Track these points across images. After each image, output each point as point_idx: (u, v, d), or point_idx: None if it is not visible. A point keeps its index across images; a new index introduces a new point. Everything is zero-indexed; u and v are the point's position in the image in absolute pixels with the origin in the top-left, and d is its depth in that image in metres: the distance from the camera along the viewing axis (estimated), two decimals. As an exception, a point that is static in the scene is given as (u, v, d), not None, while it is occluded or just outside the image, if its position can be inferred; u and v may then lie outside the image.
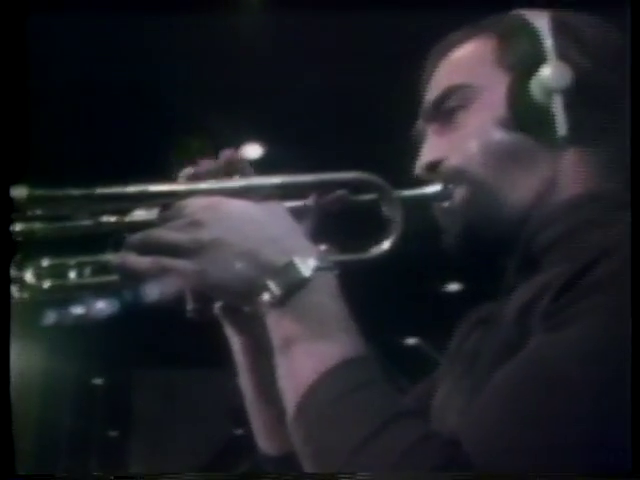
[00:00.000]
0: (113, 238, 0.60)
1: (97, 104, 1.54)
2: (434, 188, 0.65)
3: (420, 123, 0.69)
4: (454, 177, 0.63)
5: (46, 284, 0.59)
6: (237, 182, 0.62)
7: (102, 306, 0.59)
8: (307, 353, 0.52)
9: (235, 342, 0.65)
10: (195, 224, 0.57)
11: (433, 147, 0.65)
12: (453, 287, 3.73)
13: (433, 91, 0.65)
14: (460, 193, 0.62)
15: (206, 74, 1.53)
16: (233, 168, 0.61)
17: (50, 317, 0.59)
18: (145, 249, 0.56)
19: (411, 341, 4.23)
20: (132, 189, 0.61)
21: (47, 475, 0.48)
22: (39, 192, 0.56)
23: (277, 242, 0.56)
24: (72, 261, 0.62)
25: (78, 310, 0.59)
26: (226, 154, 0.62)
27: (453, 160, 0.63)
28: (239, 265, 0.55)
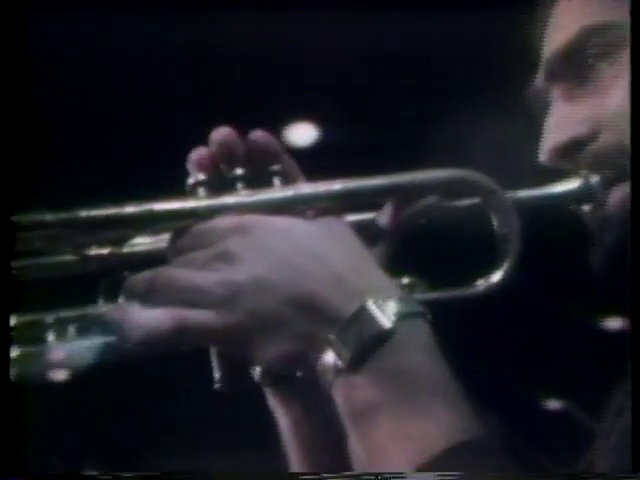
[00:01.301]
0: (106, 281, 0.58)
1: (96, 106, 1.64)
2: (571, 184, 0.59)
3: (540, 85, 0.62)
4: (602, 164, 0.57)
5: (13, 352, 0.56)
6: (279, 192, 0.59)
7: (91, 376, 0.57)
8: (394, 436, 0.50)
9: (283, 419, 0.62)
10: (223, 257, 0.54)
11: (565, 120, 0.59)
12: (611, 324, 3.12)
13: (558, 37, 0.61)
14: (614, 189, 0.56)
15: (209, 73, 1.64)
16: (269, 164, 0.59)
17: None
18: (153, 296, 0.54)
19: (552, 405, 3.66)
20: (131, 209, 0.58)
21: (47, 475, 0.55)
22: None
23: (342, 279, 0.53)
24: (49, 317, 0.58)
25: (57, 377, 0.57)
26: (257, 137, 0.58)
27: (601, 138, 0.57)
28: (289, 315, 0.52)
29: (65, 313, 0.58)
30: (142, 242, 0.60)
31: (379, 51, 1.64)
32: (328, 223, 0.58)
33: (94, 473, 0.49)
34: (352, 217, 0.60)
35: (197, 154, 0.60)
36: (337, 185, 0.60)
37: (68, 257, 0.59)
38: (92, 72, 1.54)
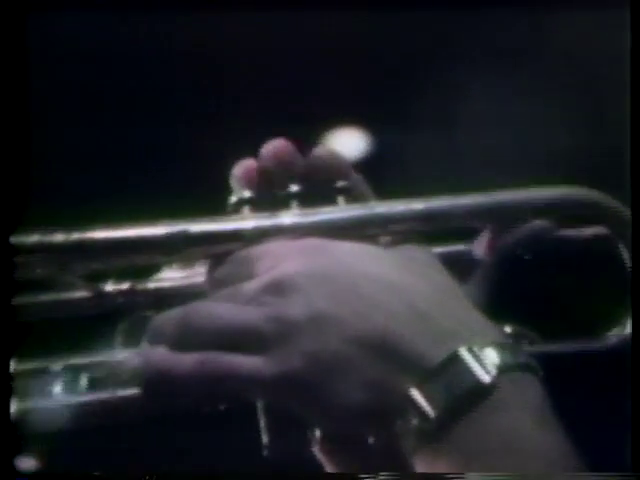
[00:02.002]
0: (126, 322, 0.58)
1: (99, 105, 1.69)
2: None
3: None
4: None
5: (13, 406, 0.53)
6: (344, 211, 0.59)
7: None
8: None
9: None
10: (275, 288, 0.53)
11: None
12: None
13: None
14: None
15: (212, 73, 1.70)
16: (332, 181, 0.60)
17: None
18: (186, 337, 0.53)
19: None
20: (159, 231, 0.57)
21: (47, 475, 0.56)
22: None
23: (426, 317, 0.52)
24: (56, 365, 0.56)
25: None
26: (323, 154, 0.60)
27: None
28: (358, 360, 0.51)
29: (75, 360, 0.56)
30: (171, 275, 0.60)
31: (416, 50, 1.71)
32: (408, 251, 0.57)
33: (95, 473, 0.52)
34: (438, 248, 0.59)
35: (244, 169, 0.61)
36: (418, 204, 0.58)
37: (79, 293, 0.58)
38: (93, 72, 1.62)
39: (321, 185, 0.60)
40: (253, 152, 0.61)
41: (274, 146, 0.60)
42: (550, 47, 1.63)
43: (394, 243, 0.58)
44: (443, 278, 0.55)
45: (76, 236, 0.55)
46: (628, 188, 0.56)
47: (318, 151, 0.60)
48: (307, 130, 0.68)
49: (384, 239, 0.58)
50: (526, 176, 0.60)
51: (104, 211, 0.59)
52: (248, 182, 0.60)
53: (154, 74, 1.61)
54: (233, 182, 0.60)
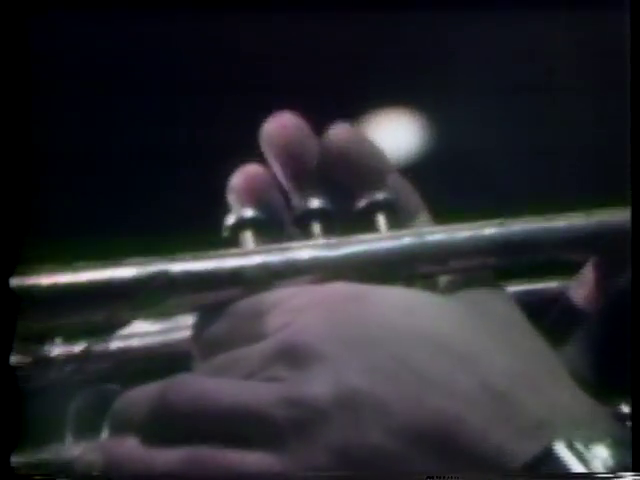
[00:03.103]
0: (79, 400, 0.57)
1: (101, 109, 1.82)
2: None
3: None
4: None
5: None
6: (385, 240, 0.56)
7: None
8: None
9: None
10: (289, 359, 0.52)
11: None
12: None
13: None
14: None
15: (212, 73, 1.84)
16: (366, 189, 0.58)
17: None
18: (165, 428, 0.52)
19: None
20: (123, 272, 0.54)
21: (47, 475, 0.56)
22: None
23: (508, 403, 0.51)
24: None
25: None
26: (343, 137, 0.59)
27: None
28: (409, 457, 0.50)
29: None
30: (143, 331, 0.58)
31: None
32: (478, 300, 0.55)
33: (94, 473, 0.52)
34: (515, 287, 0.59)
35: (243, 177, 0.59)
36: (493, 229, 0.56)
37: (12, 359, 0.55)
38: (94, 73, 1.78)
39: (351, 195, 0.58)
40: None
41: (279, 135, 0.58)
42: (550, 47, 1.79)
43: (457, 287, 0.56)
44: (530, 340, 0.54)
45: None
46: (628, 188, 0.57)
47: (335, 133, 0.58)
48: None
49: (443, 281, 0.56)
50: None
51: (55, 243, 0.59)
52: (249, 195, 0.58)
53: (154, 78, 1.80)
54: (231, 196, 0.59)
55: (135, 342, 0.57)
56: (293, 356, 0.51)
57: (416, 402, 0.50)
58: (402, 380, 0.50)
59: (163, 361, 0.57)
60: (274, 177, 0.59)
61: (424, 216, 0.59)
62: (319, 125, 0.63)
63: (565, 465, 0.48)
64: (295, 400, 0.50)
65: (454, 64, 1.90)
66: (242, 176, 0.59)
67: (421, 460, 0.49)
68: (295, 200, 0.58)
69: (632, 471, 0.49)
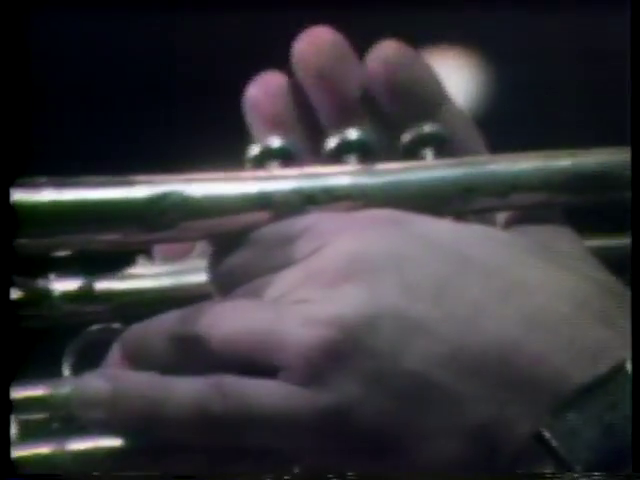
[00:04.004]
0: (78, 340, 0.58)
1: (99, 104, 1.97)
2: None
3: None
4: None
5: None
6: (438, 169, 0.57)
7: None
8: None
9: None
10: (321, 281, 0.53)
11: None
12: None
13: None
14: None
15: (211, 72, 1.99)
16: (413, 117, 0.58)
17: None
18: (185, 355, 0.53)
19: None
20: (133, 192, 0.55)
21: (47, 475, 0.57)
22: None
23: (570, 327, 0.52)
24: None
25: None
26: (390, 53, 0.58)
27: None
28: (459, 396, 0.51)
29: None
30: (152, 267, 0.60)
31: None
32: (538, 234, 0.56)
33: (94, 473, 0.54)
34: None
35: (265, 90, 0.59)
36: (563, 160, 0.56)
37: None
38: (93, 72, 1.92)
39: (396, 123, 0.58)
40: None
41: (313, 40, 0.58)
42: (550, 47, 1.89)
43: (518, 224, 0.57)
44: (598, 274, 0.55)
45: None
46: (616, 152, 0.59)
47: (384, 52, 0.58)
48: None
49: (501, 219, 0.58)
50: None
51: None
52: (275, 120, 0.59)
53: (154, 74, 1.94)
54: (252, 119, 0.59)
55: (141, 283, 0.59)
56: (324, 277, 0.51)
57: (464, 325, 0.51)
58: (448, 301, 0.51)
59: (173, 306, 0.57)
60: (300, 88, 0.58)
61: (479, 149, 0.59)
62: (362, 44, 0.64)
63: (624, 389, 0.50)
64: (323, 319, 0.51)
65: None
66: (261, 89, 0.59)
67: (467, 389, 0.50)
68: (329, 129, 0.58)
69: (632, 471, 0.51)
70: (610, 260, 0.59)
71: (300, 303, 0.52)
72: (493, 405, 0.51)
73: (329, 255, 0.53)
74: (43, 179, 0.55)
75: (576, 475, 0.51)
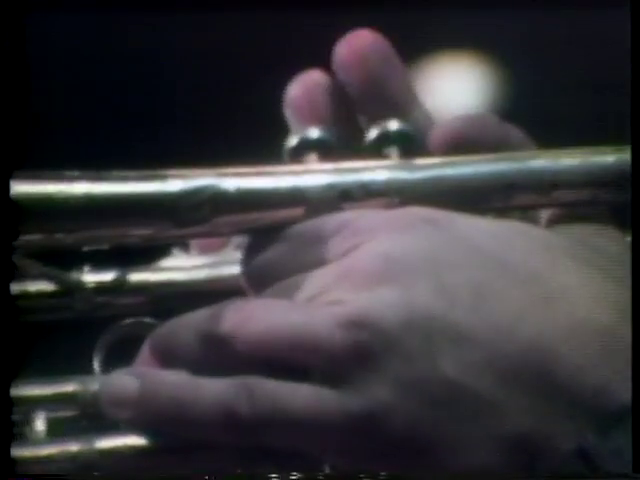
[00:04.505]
0: (109, 334, 0.58)
1: (98, 105, 2.00)
2: None
3: None
4: None
5: None
6: (481, 164, 0.57)
7: None
8: None
9: None
10: (357, 282, 0.52)
11: None
12: None
13: None
14: None
15: (211, 73, 2.04)
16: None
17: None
18: (214, 356, 0.53)
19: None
20: (167, 186, 0.55)
21: (47, 475, 0.58)
22: None
23: (615, 339, 0.52)
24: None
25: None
26: None
27: None
28: (497, 405, 0.51)
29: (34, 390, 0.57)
30: (185, 260, 0.60)
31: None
32: (582, 234, 0.56)
33: (94, 473, 0.54)
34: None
35: (303, 87, 0.60)
36: (606, 156, 0.56)
37: (36, 285, 0.58)
38: (93, 73, 1.96)
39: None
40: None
41: (352, 42, 0.58)
42: (549, 47, 1.91)
43: (562, 223, 0.57)
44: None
45: (29, 188, 0.53)
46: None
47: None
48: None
49: (544, 216, 0.57)
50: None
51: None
52: (314, 111, 0.59)
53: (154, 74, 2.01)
54: (290, 113, 0.60)
55: (176, 275, 0.58)
56: (358, 278, 0.51)
57: (503, 332, 0.50)
58: (486, 307, 0.51)
59: (207, 300, 0.56)
60: (341, 87, 0.58)
61: (523, 143, 0.59)
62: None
63: None
64: (357, 321, 0.50)
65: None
66: (301, 86, 0.59)
67: (503, 398, 0.50)
68: (369, 120, 0.58)
69: (632, 471, 0.51)
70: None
71: (333, 304, 0.52)
72: (531, 417, 0.51)
73: (364, 255, 0.53)
74: (76, 173, 0.55)
75: (576, 475, 0.50)
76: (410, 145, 0.58)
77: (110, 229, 0.55)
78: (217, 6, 2.09)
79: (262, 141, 0.61)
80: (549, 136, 0.74)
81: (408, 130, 0.59)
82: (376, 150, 0.58)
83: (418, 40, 1.83)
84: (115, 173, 0.55)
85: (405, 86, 0.60)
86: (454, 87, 2.13)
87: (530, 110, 1.86)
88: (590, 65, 1.83)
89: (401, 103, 0.60)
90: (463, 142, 0.59)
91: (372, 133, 0.58)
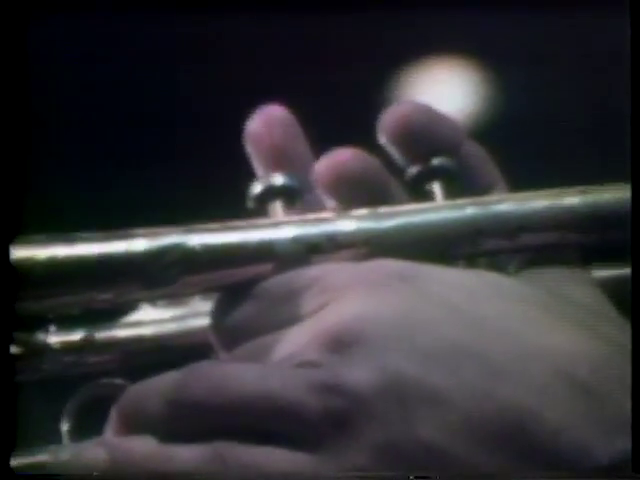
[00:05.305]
0: (79, 396, 0.58)
1: (99, 106, 2.06)
2: None
3: None
4: None
5: None
6: (447, 210, 0.57)
7: None
8: None
9: None
10: (330, 344, 0.52)
11: None
12: None
13: None
14: None
15: (211, 74, 2.08)
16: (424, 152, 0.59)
17: None
18: (185, 422, 0.52)
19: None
20: (132, 246, 0.55)
21: (47, 475, 0.58)
22: None
23: (594, 397, 0.51)
24: None
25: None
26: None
27: None
28: (476, 471, 0.51)
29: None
30: (152, 317, 0.59)
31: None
32: (552, 281, 0.56)
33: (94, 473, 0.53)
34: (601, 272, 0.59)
35: (267, 124, 0.59)
36: (571, 198, 0.56)
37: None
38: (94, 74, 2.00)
39: (403, 158, 0.58)
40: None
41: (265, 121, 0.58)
42: (549, 47, 1.95)
43: (530, 268, 0.56)
44: (618, 331, 0.54)
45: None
46: (628, 188, 0.59)
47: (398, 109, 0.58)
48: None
49: (513, 262, 0.57)
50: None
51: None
52: (277, 152, 0.59)
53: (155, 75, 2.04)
54: (252, 154, 0.59)
55: (144, 330, 0.58)
56: (331, 340, 0.50)
57: (480, 394, 0.50)
58: (461, 367, 0.50)
59: (177, 353, 0.57)
60: (300, 125, 0.58)
61: (500, 191, 0.59)
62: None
63: None
64: (332, 386, 0.50)
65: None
66: (261, 121, 0.58)
67: (482, 460, 0.49)
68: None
69: (632, 471, 0.50)
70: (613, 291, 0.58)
71: (307, 367, 0.51)
72: (511, 478, 0.51)
73: (335, 316, 0.52)
74: (42, 236, 0.54)
75: (575, 475, 0.50)
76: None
77: (76, 295, 0.54)
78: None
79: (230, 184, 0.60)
80: (549, 136, 0.75)
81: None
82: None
83: (415, 42, 1.83)
84: (79, 235, 0.54)
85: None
86: (450, 90, 2.20)
87: (526, 113, 1.84)
88: (589, 66, 1.82)
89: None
90: (410, 128, 0.58)
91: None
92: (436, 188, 0.58)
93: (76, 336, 0.57)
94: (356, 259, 0.54)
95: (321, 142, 0.61)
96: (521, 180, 0.61)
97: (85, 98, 2.00)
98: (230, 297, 0.55)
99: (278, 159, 0.59)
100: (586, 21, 1.68)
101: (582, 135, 2.15)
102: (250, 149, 0.59)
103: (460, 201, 0.56)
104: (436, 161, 0.58)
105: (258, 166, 0.59)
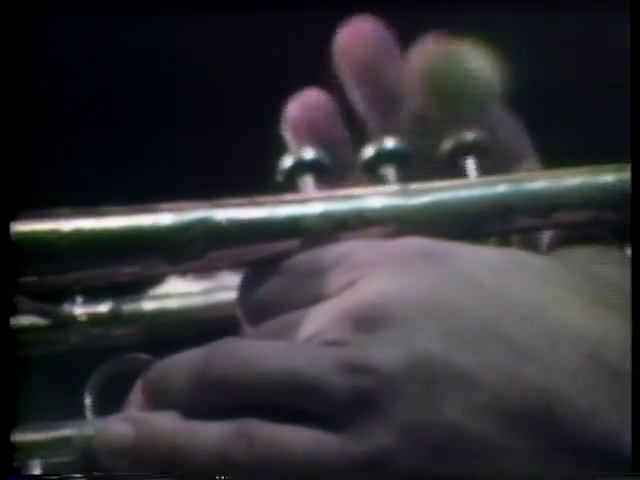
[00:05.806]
0: (103, 370, 0.57)
1: (99, 107, 2.16)
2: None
3: None
4: None
5: None
6: (480, 187, 0.56)
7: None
8: None
9: None
10: (356, 322, 0.51)
11: None
12: None
13: None
14: None
15: (214, 75, 2.11)
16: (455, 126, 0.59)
17: None
18: (208, 398, 0.52)
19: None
20: (159, 219, 0.54)
21: (47, 475, 0.59)
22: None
23: (621, 376, 0.51)
24: None
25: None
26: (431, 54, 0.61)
27: None
28: (503, 452, 0.50)
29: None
30: (180, 290, 0.60)
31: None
32: (585, 260, 0.55)
33: (94, 473, 0.54)
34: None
35: (301, 107, 0.60)
36: (606, 175, 0.56)
37: (26, 319, 0.58)
38: (94, 74, 2.10)
39: (435, 129, 0.58)
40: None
41: (356, 33, 0.58)
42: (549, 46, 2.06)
43: (562, 246, 0.56)
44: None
45: (23, 228, 0.52)
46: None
47: (426, 50, 0.58)
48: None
49: (545, 239, 0.57)
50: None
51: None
52: (311, 130, 0.59)
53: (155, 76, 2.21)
54: (287, 132, 0.60)
55: (171, 303, 0.58)
56: (358, 318, 0.50)
57: (508, 375, 0.50)
58: (490, 349, 0.50)
59: (203, 327, 0.57)
60: (339, 108, 0.58)
61: (531, 165, 0.59)
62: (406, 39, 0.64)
63: None
64: (358, 366, 0.50)
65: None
66: (300, 106, 0.59)
67: (507, 443, 0.49)
68: (367, 137, 0.58)
69: (632, 471, 0.50)
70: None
71: (333, 345, 0.51)
72: (538, 462, 0.50)
73: (363, 293, 0.52)
74: (65, 210, 0.54)
75: (575, 475, 0.50)
76: (406, 162, 0.57)
77: (100, 268, 0.54)
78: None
79: (258, 164, 0.61)
80: (548, 137, 0.74)
81: (407, 150, 0.58)
82: (376, 171, 0.57)
83: (415, 42, 2.09)
84: (105, 209, 0.54)
85: (402, 77, 0.59)
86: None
87: (527, 110, 2.09)
88: (589, 66, 1.98)
89: (399, 101, 0.59)
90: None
91: (369, 152, 0.57)
92: (469, 164, 0.58)
93: (103, 308, 0.57)
94: (384, 236, 0.54)
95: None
96: (553, 156, 0.60)
97: (104, 70, 2.29)
98: (257, 272, 0.55)
99: (316, 141, 0.59)
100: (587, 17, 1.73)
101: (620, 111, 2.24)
102: (288, 133, 0.60)
103: (492, 178, 0.56)
104: (469, 136, 0.57)
105: (295, 149, 0.59)
